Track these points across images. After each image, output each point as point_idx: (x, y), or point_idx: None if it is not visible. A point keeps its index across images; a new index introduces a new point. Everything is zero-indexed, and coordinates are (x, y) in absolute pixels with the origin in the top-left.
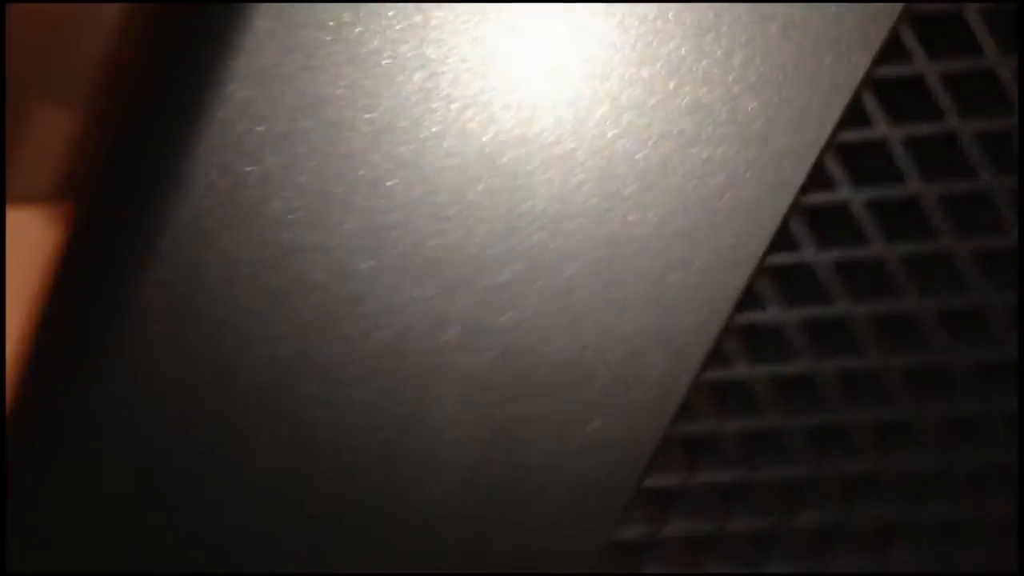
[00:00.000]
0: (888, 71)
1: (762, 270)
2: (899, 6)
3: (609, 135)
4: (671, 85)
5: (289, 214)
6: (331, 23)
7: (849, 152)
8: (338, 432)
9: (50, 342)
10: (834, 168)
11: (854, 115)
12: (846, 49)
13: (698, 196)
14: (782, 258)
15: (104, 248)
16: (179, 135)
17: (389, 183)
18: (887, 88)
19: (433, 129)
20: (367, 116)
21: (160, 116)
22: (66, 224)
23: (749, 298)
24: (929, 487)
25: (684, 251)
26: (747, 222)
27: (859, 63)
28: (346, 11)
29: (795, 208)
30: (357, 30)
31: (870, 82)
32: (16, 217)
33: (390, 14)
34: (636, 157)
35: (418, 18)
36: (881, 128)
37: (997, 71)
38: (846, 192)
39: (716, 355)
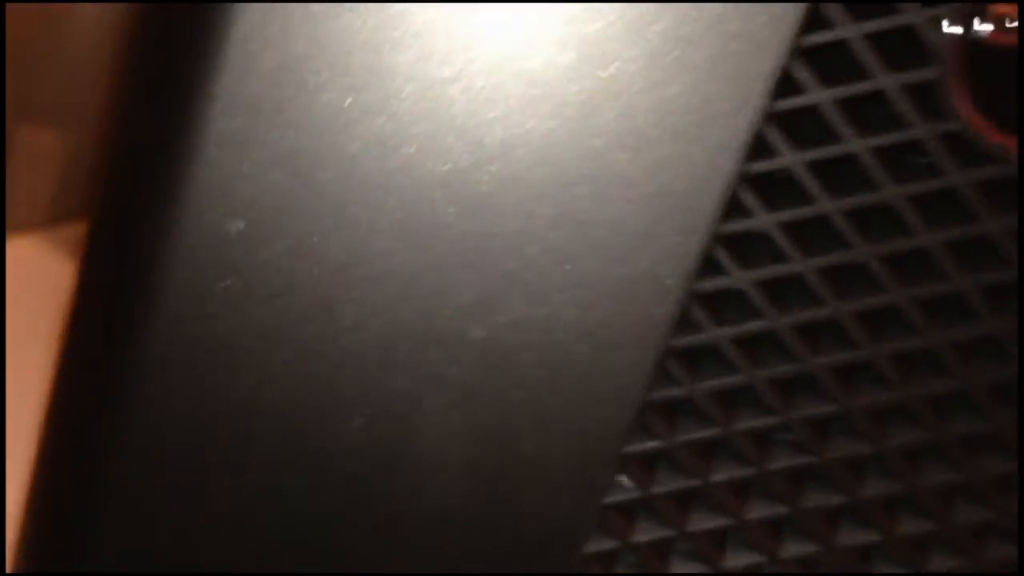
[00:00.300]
0: (815, 38)
1: (717, 239)
2: None
3: (554, 144)
4: (604, 72)
5: (273, 258)
6: (290, 81)
7: (786, 120)
8: (340, 451)
9: (70, 403)
10: (774, 136)
11: (786, 87)
12: (771, 25)
13: (647, 191)
14: (734, 226)
15: (111, 307)
16: (165, 202)
17: (363, 218)
18: (815, 56)
19: (395, 165)
20: (334, 162)
21: (144, 186)
22: (68, 249)
23: (709, 267)
24: (895, 418)
25: (638, 239)
26: (695, 198)
27: (784, 36)
28: (303, 69)
29: (741, 178)
30: (316, 81)
31: (798, 52)
32: (14, 245)
33: (346, 62)
34: (583, 157)
35: (373, 59)
36: (815, 94)
37: (916, 26)
38: (788, 157)
39: (684, 322)
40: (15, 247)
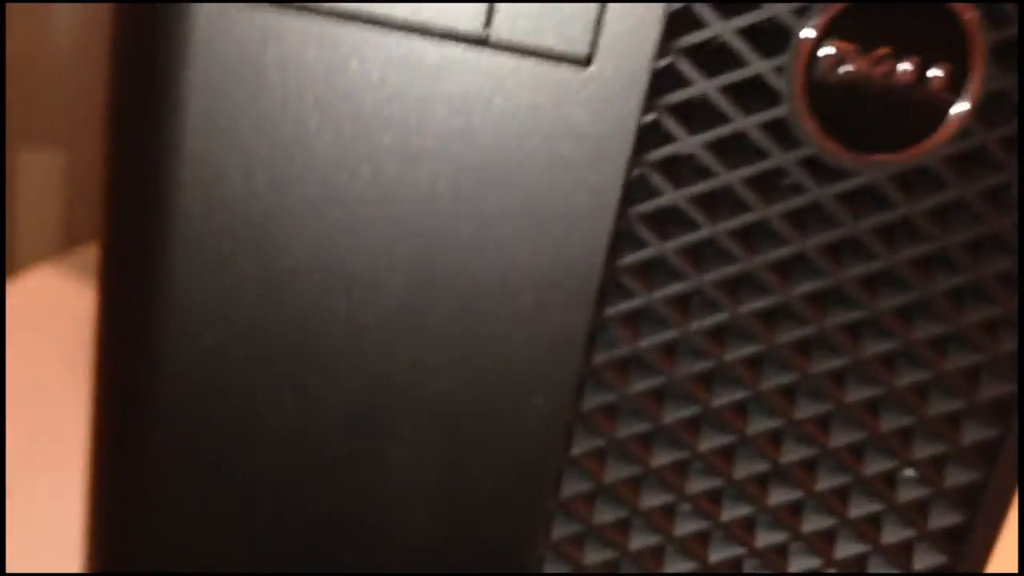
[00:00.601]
0: (676, 96)
1: (619, 269)
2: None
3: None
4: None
5: (240, 360)
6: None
7: (665, 166)
8: (321, 512)
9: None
10: (657, 180)
11: (659, 137)
12: (632, 84)
13: (537, 261)
14: (635, 257)
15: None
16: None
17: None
18: (680, 109)
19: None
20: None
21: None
22: (87, 271)
23: (621, 293)
24: (787, 440)
25: (543, 286)
26: (587, 249)
27: (639, 94)
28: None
29: (628, 218)
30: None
31: (665, 107)
32: (26, 281)
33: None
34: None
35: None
36: (686, 140)
37: (763, 75)
38: (672, 196)
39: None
40: (34, 274)
